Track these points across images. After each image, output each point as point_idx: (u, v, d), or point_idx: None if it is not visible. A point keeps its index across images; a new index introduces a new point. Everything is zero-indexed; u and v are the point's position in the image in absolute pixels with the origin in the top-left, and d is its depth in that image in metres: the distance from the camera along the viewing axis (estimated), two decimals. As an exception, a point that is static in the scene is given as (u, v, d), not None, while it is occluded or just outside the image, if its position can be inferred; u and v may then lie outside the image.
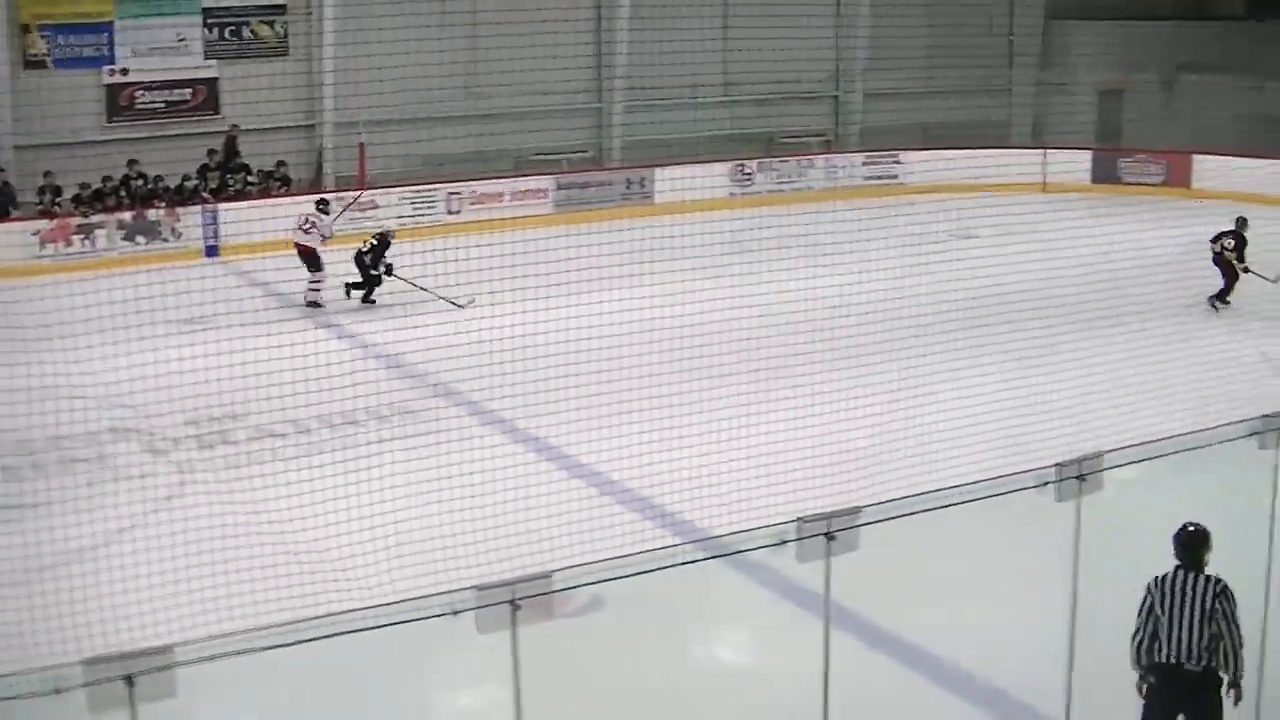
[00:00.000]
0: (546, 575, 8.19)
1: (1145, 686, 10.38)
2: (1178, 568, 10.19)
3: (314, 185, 37.21)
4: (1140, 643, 10.31)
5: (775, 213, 31.65)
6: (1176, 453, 8.88)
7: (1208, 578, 10.15)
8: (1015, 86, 47.29)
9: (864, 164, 42.32)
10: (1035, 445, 16.64)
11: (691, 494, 16.05)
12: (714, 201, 36.82)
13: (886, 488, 13.81)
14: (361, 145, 36.08)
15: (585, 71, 40.85)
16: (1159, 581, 10.27)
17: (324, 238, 28.57)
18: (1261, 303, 25.99)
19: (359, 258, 27.89)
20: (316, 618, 8.24)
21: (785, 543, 8.03)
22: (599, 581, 8.50)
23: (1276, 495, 10.16)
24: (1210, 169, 39.39)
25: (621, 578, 11.37)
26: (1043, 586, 13.89)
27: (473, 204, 36.55)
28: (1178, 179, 41.27)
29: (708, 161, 39.37)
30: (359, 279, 27.93)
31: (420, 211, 36.03)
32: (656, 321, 21.07)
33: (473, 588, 8.07)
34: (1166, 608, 10.14)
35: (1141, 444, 8.88)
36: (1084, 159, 42.33)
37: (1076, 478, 8.63)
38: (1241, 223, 27.65)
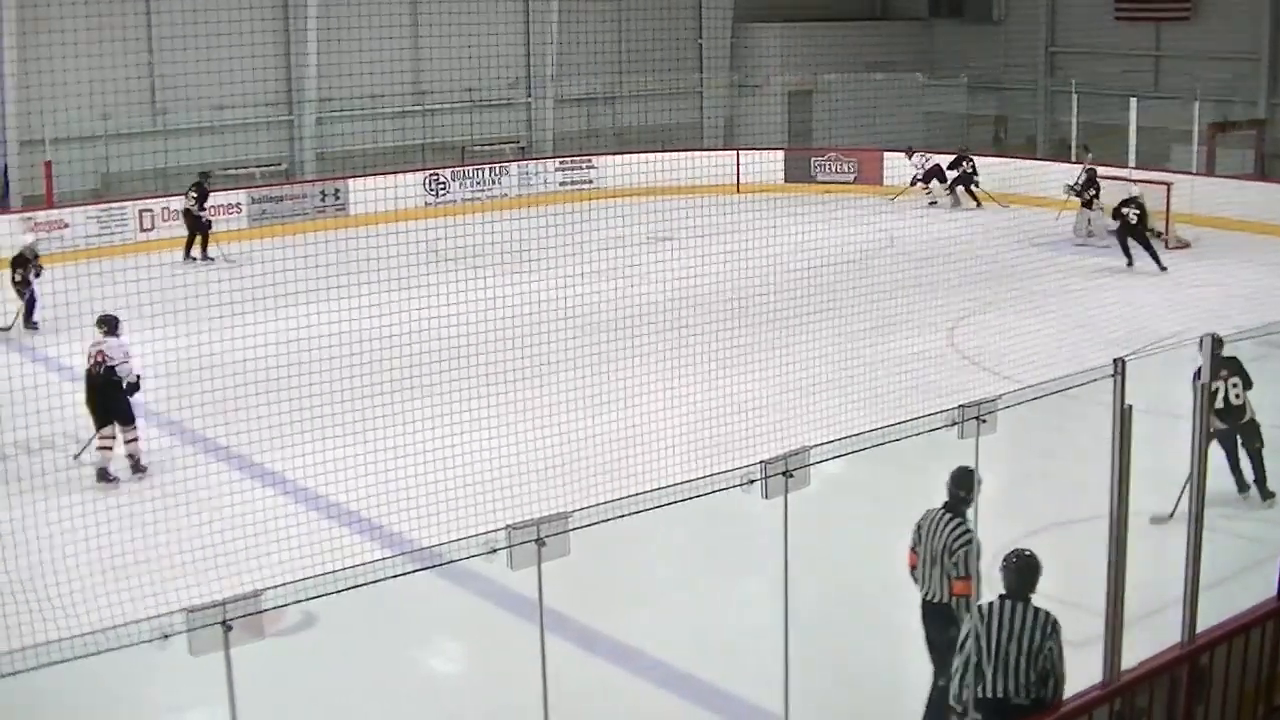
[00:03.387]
0: (256, 594, 8.14)
1: None
2: (1004, 598, 9.81)
3: (0, 205, 36.30)
4: (960, 675, 9.85)
5: (471, 221, 31.79)
6: (880, 445, 9.09)
7: (1036, 612, 9.72)
8: (706, 89, 48.02)
9: (558, 169, 42.61)
10: (740, 445, 17.03)
11: (399, 506, 16.04)
12: (409, 212, 36.76)
13: (593, 493, 13.98)
14: (47, 164, 35.36)
15: (275, 83, 40.44)
16: (984, 612, 9.81)
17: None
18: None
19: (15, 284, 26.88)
20: (22, 649, 8.09)
21: (496, 550, 8.07)
22: (310, 598, 8.49)
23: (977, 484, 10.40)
24: (899, 165, 40.56)
25: (332, 593, 11.32)
26: (754, 583, 14.26)
27: (165, 220, 35.91)
28: (870, 176, 42.38)
29: (402, 171, 39.28)
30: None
31: (110, 230, 35.28)
32: (356, 334, 21.03)
33: (183, 610, 8.00)
34: (991, 640, 9.70)
35: (846, 438, 9.07)
36: (777, 159, 43.24)
37: (783, 474, 8.79)
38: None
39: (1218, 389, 16.16)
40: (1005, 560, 9.97)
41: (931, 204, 39.73)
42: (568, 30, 43.44)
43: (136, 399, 18.94)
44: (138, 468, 18.98)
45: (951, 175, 39.69)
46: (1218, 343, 10.91)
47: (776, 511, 8.84)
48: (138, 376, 19.05)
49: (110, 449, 18.81)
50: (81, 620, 13.00)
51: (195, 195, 33.57)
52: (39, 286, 26.08)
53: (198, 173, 35.00)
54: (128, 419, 19.01)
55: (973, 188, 39.37)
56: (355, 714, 12.76)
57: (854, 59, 45.28)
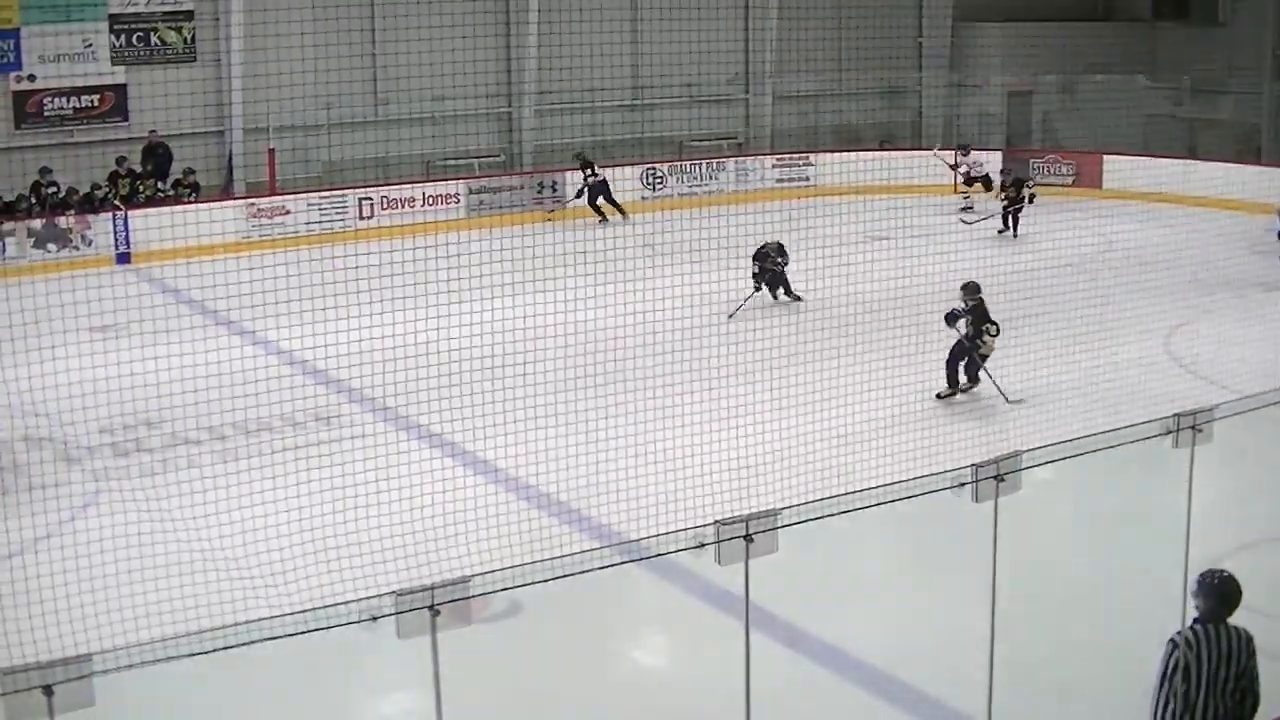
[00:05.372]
0: (465, 580, 8.20)
1: None
2: (1204, 623, 9.30)
3: (224, 192, 37.08)
4: (1165, 706, 9.35)
5: (687, 215, 31.85)
6: (1093, 451, 8.92)
7: (1236, 631, 9.28)
8: (925, 89, 47.60)
9: (774, 166, 42.45)
10: (950, 447, 16.85)
11: (608, 498, 16.08)
12: (626, 205, 36.96)
13: (801, 491, 13.92)
14: (271, 151, 36.03)
15: (495, 76, 40.81)
16: (1191, 642, 9.26)
17: None
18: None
19: None
20: (234, 625, 8.21)
21: (704, 545, 8.06)
22: (517, 586, 8.55)
23: (1191, 495, 10.15)
24: (1119, 169, 39.78)
25: (540, 582, 11.36)
26: (961, 587, 14.05)
27: (384, 209, 36.44)
28: (1088, 179, 41.67)
29: (619, 165, 39.42)
30: None
31: (330, 217, 35.87)
32: (569, 325, 21.10)
33: (392, 593, 8.08)
34: (1203, 668, 9.22)
35: (1058, 444, 8.92)
36: (995, 160, 42.64)
37: (994, 478, 8.67)
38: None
39: None
40: (1201, 580, 9.45)
41: (967, 209, 37.26)
42: (787, 26, 43.31)
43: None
44: None
45: (1001, 185, 36.39)
46: None
47: (986, 515, 8.73)
48: None
49: None
50: (292, 599, 13.22)
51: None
52: None
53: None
54: None
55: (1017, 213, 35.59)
56: (558, 704, 12.80)
57: (1074, 60, 44.60)
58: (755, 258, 26.29)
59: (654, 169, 40.68)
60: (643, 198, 39.38)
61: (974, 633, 9.51)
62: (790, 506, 8.13)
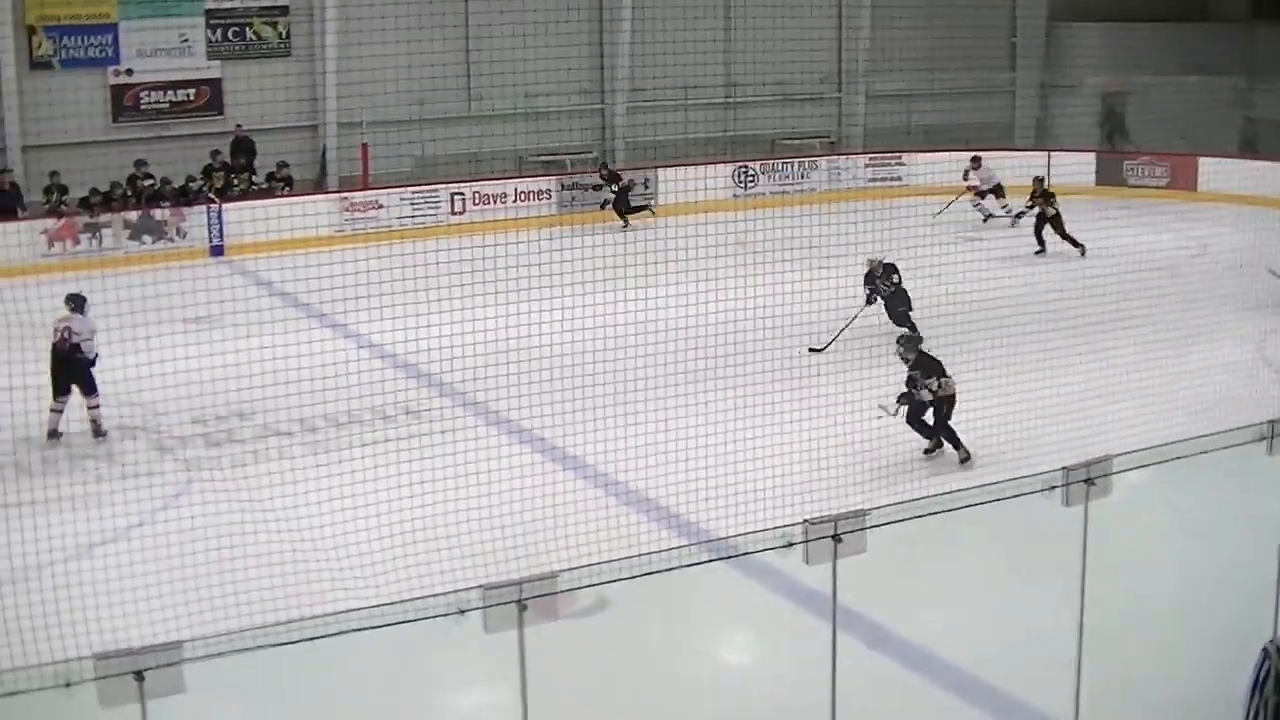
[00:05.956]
0: (552, 575, 8.23)
1: None
2: None
3: (317, 186, 37.35)
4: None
5: (778, 214, 31.78)
6: (1185, 456, 8.85)
7: None
8: (1019, 88, 47.29)
9: (867, 166, 42.29)
10: (1039, 450, 16.72)
11: (696, 495, 16.08)
12: (717, 203, 36.89)
13: (890, 492, 13.88)
14: (364, 146, 36.24)
15: (587, 72, 40.92)
16: None
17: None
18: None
19: None
20: (323, 616, 8.28)
21: (792, 545, 8.06)
22: (604, 582, 8.57)
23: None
24: (1215, 171, 39.37)
25: (627, 578, 11.37)
26: (1050, 592, 13.95)
27: (476, 204, 36.59)
28: (1183, 181, 41.23)
29: (711, 163, 39.38)
30: None
31: (422, 212, 36.06)
32: (660, 323, 21.11)
33: (479, 587, 8.12)
34: None
35: (1149, 448, 8.85)
36: (1088, 161, 42.24)
37: (1085, 481, 8.62)
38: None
39: None
40: None
41: (987, 218, 36.19)
42: (880, 25, 43.17)
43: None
44: (99, 433, 20.26)
45: (1021, 204, 34.31)
46: None
47: (1076, 518, 8.68)
48: (95, 355, 20.18)
49: (61, 413, 20.21)
50: (380, 591, 13.31)
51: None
52: None
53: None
54: (91, 389, 20.26)
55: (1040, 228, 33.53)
56: (641, 700, 12.80)
57: (1170, 60, 44.13)
58: (865, 280, 25.14)
59: (746, 167, 40.61)
60: (734, 195, 39.32)
61: (1061, 637, 9.45)
62: (879, 507, 8.12)
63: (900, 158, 42.36)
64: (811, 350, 22.77)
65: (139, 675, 7.46)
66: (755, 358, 19.66)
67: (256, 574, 14.10)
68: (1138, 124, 45.24)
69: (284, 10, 37.86)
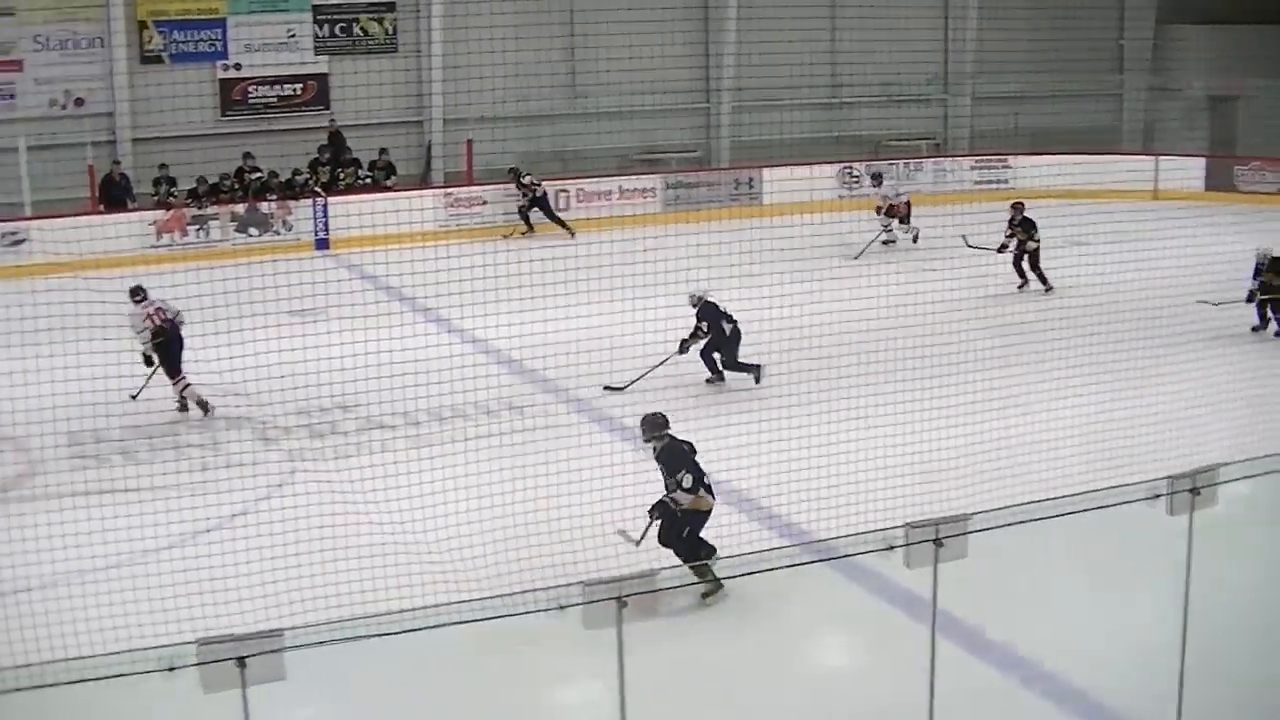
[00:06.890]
0: (653, 573, 8.25)
1: None
2: None
3: (422, 181, 37.59)
4: None
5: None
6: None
7: None
8: (1126, 91, 46.87)
9: (972, 168, 42.02)
10: (1143, 458, 16.57)
11: (798, 497, 16.03)
12: (822, 203, 36.72)
13: (991, 498, 13.78)
14: (469, 142, 36.40)
15: (693, 71, 40.93)
16: None
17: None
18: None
19: None
20: (423, 608, 8.34)
21: (893, 548, 8.04)
22: (704, 581, 8.56)
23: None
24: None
25: (727, 578, 11.39)
26: (1152, 602, 13.83)
27: (580, 202, 36.66)
28: (1296, 186, 40.66)
29: (816, 163, 39.22)
30: None
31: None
32: (765, 323, 21.07)
33: (580, 583, 8.15)
34: None
35: (1258, 458, 8.76)
36: (1198, 166, 41.73)
37: (1190, 490, 8.54)
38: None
39: None
40: None
41: (889, 241, 33.50)
42: (987, 27, 42.91)
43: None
44: (186, 408, 21.26)
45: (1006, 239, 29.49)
46: None
47: (1180, 528, 8.61)
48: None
49: (190, 385, 21.10)
50: (480, 585, 13.37)
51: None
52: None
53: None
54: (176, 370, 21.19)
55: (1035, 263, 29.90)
56: (738, 700, 12.80)
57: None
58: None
59: (851, 168, 40.46)
60: (839, 196, 39.15)
61: (1163, 647, 9.37)
62: (982, 512, 8.09)
63: (1006, 160, 42.03)
64: (608, 389, 21.09)
65: (241, 662, 7.56)
66: (855, 360, 19.59)
67: (358, 565, 14.19)
68: (1249, 128, 44.68)
69: (391, 6, 38.15)
